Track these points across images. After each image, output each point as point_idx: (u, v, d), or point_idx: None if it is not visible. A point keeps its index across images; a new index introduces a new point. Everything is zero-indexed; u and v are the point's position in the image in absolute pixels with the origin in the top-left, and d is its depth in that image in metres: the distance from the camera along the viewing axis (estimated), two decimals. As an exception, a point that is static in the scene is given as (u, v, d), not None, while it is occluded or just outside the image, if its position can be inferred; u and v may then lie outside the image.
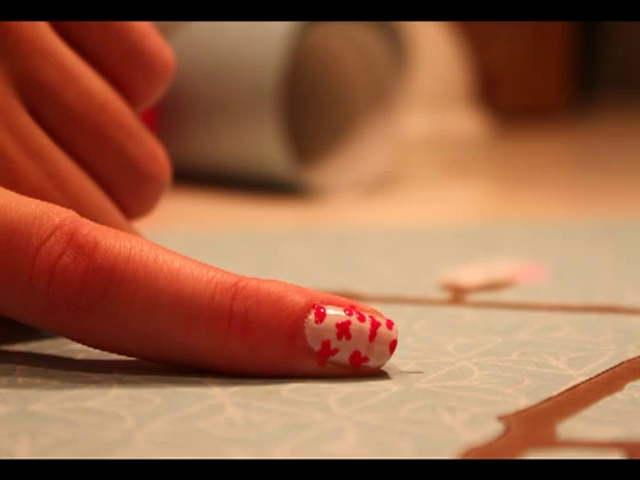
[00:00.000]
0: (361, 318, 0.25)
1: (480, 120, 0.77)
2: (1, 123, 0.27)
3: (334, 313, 0.24)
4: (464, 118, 0.76)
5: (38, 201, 0.25)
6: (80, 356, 0.26)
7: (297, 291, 0.24)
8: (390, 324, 0.25)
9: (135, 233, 0.29)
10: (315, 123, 0.64)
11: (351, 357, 0.24)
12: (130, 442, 0.21)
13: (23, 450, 0.20)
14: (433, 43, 0.74)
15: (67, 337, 0.25)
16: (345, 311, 0.25)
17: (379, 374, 0.25)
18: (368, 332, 0.24)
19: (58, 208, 0.25)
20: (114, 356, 0.26)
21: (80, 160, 0.29)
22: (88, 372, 0.25)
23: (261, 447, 0.20)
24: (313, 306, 0.24)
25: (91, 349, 0.27)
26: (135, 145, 0.29)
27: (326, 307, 0.24)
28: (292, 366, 0.24)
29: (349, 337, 0.24)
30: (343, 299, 0.25)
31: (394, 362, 0.26)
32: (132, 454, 0.20)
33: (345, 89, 0.62)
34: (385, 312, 0.30)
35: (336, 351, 0.24)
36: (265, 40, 0.56)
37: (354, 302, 0.25)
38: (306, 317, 0.24)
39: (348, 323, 0.24)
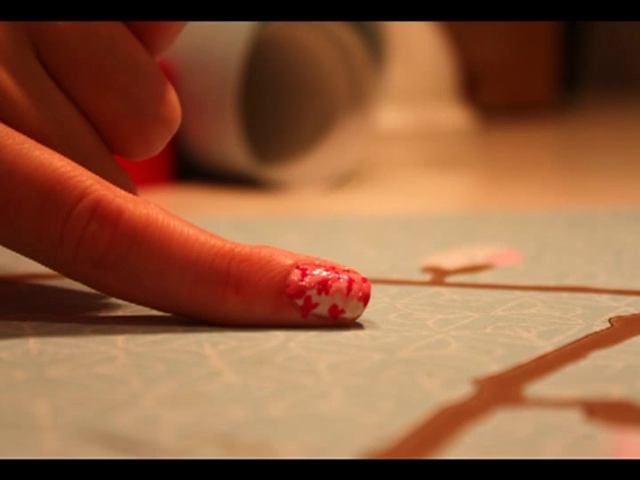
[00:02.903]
0: (339, 276, 0.28)
1: (465, 116, 0.79)
2: (6, 67, 0.28)
3: (315, 272, 0.28)
4: (449, 114, 0.78)
5: (66, 160, 0.28)
6: (89, 329, 0.28)
7: (283, 254, 0.28)
8: (365, 280, 0.28)
9: (127, 181, 0.31)
10: (291, 119, 0.65)
11: (330, 310, 0.28)
12: (136, 403, 0.23)
13: (41, 409, 0.22)
14: (419, 40, 0.76)
15: (89, 287, 0.28)
16: (325, 271, 0.28)
17: (363, 346, 0.27)
18: (345, 288, 0.28)
19: (81, 170, 0.27)
20: (121, 329, 0.28)
21: (83, 103, 0.30)
22: (96, 344, 0.27)
23: (257, 406, 0.23)
24: (297, 266, 0.28)
25: (99, 324, 0.29)
26: (142, 88, 0.30)
27: (308, 267, 0.28)
28: (280, 319, 0.28)
29: (328, 293, 0.28)
30: (324, 260, 0.28)
31: (377, 334, 0.28)
32: (138, 413, 0.22)
33: (322, 84, 0.64)
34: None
35: (317, 305, 0.28)
36: (228, 37, 0.57)
37: (334, 263, 0.28)
38: (290, 276, 0.28)
39: (327, 280, 0.28)
